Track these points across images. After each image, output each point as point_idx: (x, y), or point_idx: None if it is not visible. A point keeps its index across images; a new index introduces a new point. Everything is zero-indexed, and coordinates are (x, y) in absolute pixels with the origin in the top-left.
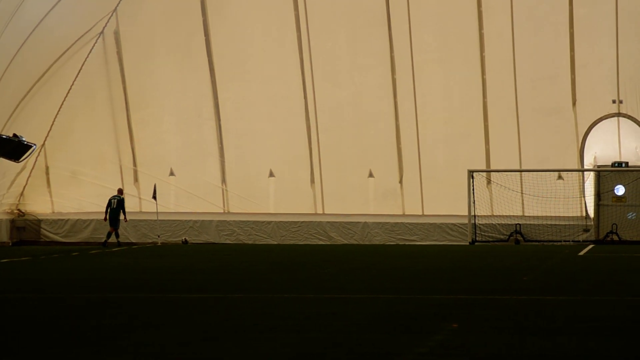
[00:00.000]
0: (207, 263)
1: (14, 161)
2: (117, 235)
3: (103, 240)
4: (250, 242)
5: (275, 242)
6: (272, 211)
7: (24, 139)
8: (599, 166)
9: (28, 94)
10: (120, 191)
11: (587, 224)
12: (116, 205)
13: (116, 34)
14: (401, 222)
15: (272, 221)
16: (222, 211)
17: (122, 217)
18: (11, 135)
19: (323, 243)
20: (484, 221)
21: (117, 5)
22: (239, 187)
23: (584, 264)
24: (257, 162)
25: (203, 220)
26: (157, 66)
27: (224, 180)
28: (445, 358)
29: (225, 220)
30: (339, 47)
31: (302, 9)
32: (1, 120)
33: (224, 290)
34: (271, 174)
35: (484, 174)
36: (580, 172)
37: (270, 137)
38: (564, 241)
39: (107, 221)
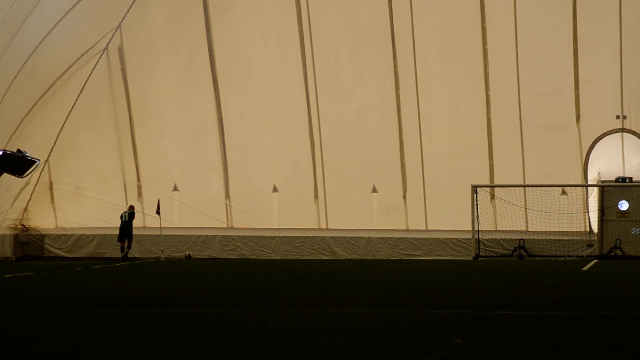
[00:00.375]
0: (211, 278)
1: (18, 176)
2: (123, 250)
3: (108, 255)
4: (253, 257)
5: (279, 257)
6: (275, 226)
7: (27, 155)
8: (602, 181)
9: (32, 110)
10: (132, 207)
11: (591, 239)
12: (128, 218)
13: (120, 50)
14: (405, 237)
15: (275, 236)
16: (225, 226)
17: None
18: (15, 150)
19: (327, 258)
20: (487, 236)
21: (121, 21)
22: (243, 202)
23: (587, 279)
24: (261, 177)
25: (206, 236)
26: (161, 81)
27: (227, 196)
28: None
29: (229, 235)
30: (342, 63)
31: (305, 24)
32: (5, 135)
33: (227, 305)
34: (275, 189)
35: (488, 189)
36: (584, 188)
37: (274, 152)
38: (568, 256)
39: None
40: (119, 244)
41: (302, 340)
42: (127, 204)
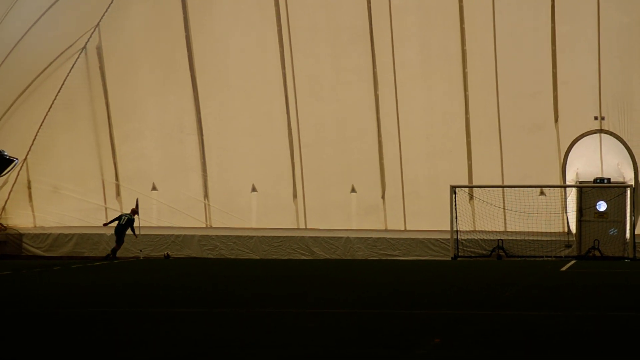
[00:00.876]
0: (189, 278)
1: None
2: (114, 251)
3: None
4: (232, 256)
5: (258, 257)
6: (254, 226)
7: (5, 154)
8: (581, 182)
9: (10, 109)
10: (134, 212)
11: (569, 239)
12: (125, 223)
13: (99, 49)
14: (383, 238)
15: (254, 236)
16: (204, 226)
17: (130, 232)
18: None
19: (305, 258)
20: (466, 236)
21: (100, 20)
22: (222, 201)
23: (566, 280)
24: (240, 177)
25: (185, 235)
26: (140, 81)
27: (206, 195)
28: None
29: (208, 235)
30: (321, 63)
31: (284, 25)
32: None
33: (206, 305)
34: (254, 189)
35: (467, 189)
36: (563, 188)
37: (253, 152)
38: (546, 257)
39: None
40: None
41: (281, 340)
42: (105, 203)
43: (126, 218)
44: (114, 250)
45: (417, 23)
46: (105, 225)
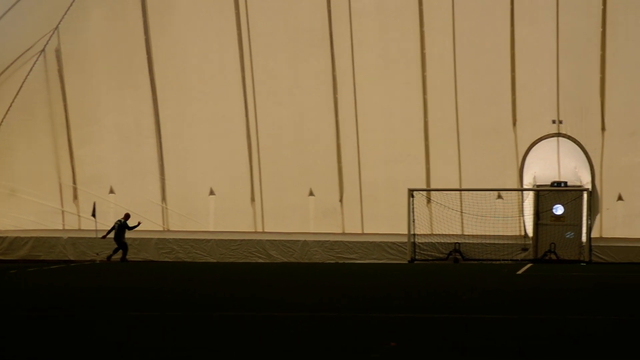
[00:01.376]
0: (146, 281)
1: None
2: (116, 252)
3: (42, 258)
4: (189, 260)
5: (215, 260)
6: (212, 229)
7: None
8: (538, 186)
9: None
10: (127, 216)
11: (526, 243)
12: (119, 229)
13: (57, 52)
14: (341, 241)
15: (211, 239)
16: (161, 229)
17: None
18: None
19: (262, 261)
20: (423, 240)
21: (59, 23)
22: (179, 205)
23: (522, 283)
24: (198, 180)
25: (142, 238)
26: (98, 84)
27: (164, 198)
28: None
29: (165, 238)
30: (280, 67)
31: (244, 28)
32: None
33: (161, 309)
34: (211, 192)
35: (424, 193)
36: (520, 192)
37: (211, 155)
38: (503, 260)
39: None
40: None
41: (236, 344)
42: (62, 206)
43: (118, 224)
44: (123, 257)
45: (376, 27)
46: (103, 237)
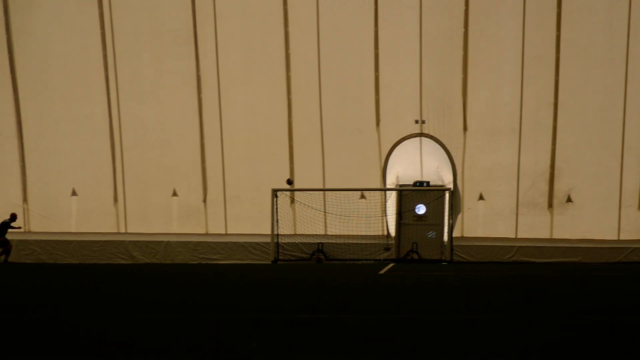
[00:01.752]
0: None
1: None
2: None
3: None
4: (51, 261)
5: (77, 262)
6: (74, 230)
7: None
8: (400, 185)
9: None
10: (13, 217)
11: (389, 242)
12: (1, 228)
13: None
14: (204, 241)
15: (73, 240)
16: (22, 230)
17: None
18: None
19: (125, 262)
20: (287, 240)
21: None
22: (41, 206)
23: (384, 283)
24: (60, 181)
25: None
26: None
27: (25, 199)
28: None
29: (26, 240)
30: (144, 66)
31: (108, 27)
32: None
33: (15, 311)
34: (74, 193)
35: (288, 193)
36: (383, 192)
37: (73, 155)
38: (366, 260)
39: None
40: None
41: (87, 347)
42: None
43: (1, 222)
44: (5, 258)
45: (240, 27)
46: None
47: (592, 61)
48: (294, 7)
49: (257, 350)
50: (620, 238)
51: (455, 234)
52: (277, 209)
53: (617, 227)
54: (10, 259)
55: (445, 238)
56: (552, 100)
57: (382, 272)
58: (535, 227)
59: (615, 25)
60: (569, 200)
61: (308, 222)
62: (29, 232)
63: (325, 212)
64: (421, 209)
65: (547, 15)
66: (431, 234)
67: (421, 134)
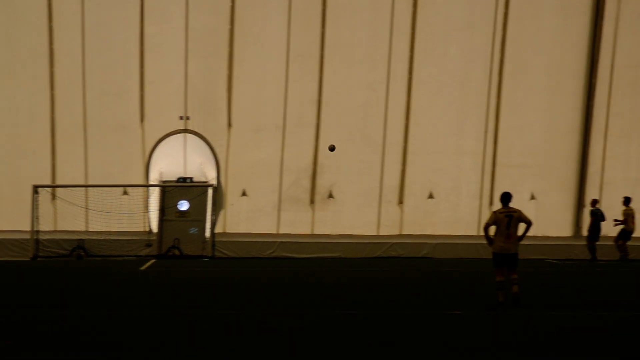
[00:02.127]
0: None
1: None
2: None
3: None
4: None
5: None
6: None
7: None
8: (164, 181)
9: None
10: None
11: (150, 238)
12: None
13: None
14: None
15: None
16: None
17: None
18: None
19: None
20: (47, 236)
21: None
22: None
23: (144, 279)
24: None
25: None
26: None
27: None
28: None
29: None
30: None
31: None
32: None
33: None
34: None
35: (50, 189)
36: (145, 188)
37: None
38: (127, 256)
39: None
40: None
41: None
42: None
43: None
44: None
45: (5, 21)
46: None
47: (355, 59)
48: (58, 1)
49: (9, 348)
50: (380, 233)
51: (218, 230)
52: (37, 205)
53: (377, 222)
54: None
55: (208, 234)
56: (316, 97)
57: (143, 268)
58: (297, 223)
59: (377, 24)
60: (330, 196)
61: (69, 218)
62: None
63: (87, 208)
64: (184, 205)
65: (312, 13)
66: (193, 230)
67: (186, 130)
